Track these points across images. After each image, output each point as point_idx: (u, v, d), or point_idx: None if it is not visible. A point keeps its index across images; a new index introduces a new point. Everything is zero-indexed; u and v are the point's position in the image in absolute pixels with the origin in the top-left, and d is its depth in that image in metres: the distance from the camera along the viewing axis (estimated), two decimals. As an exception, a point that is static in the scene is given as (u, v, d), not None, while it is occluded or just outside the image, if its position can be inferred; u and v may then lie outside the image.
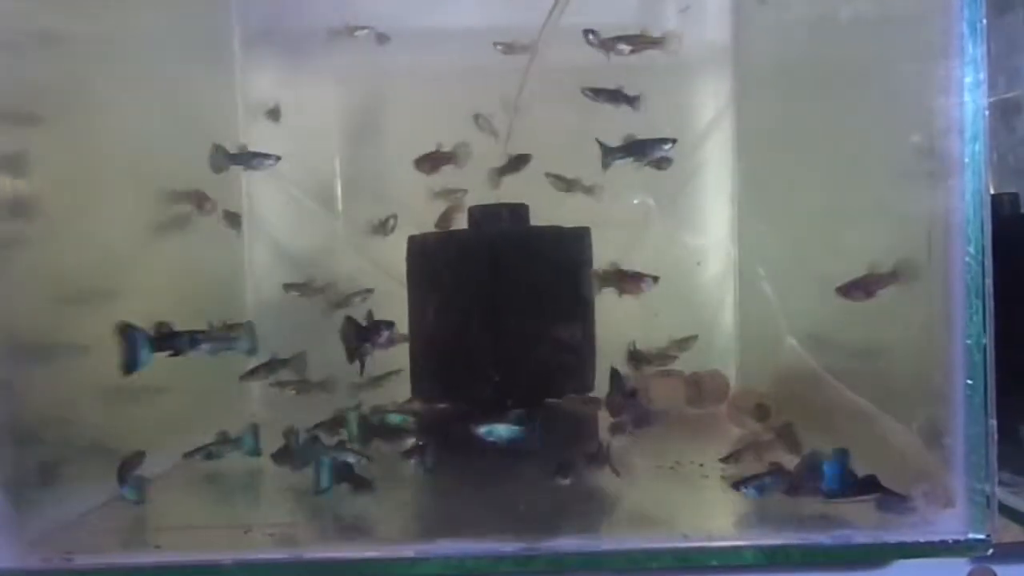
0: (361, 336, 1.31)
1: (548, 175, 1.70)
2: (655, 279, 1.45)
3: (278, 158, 1.52)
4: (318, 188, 1.91)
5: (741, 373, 1.84)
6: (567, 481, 1.21)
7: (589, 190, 1.70)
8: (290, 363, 1.52)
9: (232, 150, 1.51)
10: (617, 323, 1.59)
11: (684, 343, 1.71)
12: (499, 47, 1.74)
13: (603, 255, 1.55)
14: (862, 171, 1.31)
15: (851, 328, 1.28)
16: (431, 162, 1.70)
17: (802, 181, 1.56)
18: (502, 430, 1.19)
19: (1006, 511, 1.09)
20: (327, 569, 1.03)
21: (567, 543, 1.03)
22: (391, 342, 1.34)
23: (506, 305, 1.51)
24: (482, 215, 1.60)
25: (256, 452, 1.38)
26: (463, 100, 1.77)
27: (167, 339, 1.20)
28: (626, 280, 1.46)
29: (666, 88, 1.85)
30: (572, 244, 1.57)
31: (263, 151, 1.53)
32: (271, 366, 1.52)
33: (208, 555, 1.02)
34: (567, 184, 1.70)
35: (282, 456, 1.33)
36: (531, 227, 1.60)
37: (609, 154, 1.46)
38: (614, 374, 1.41)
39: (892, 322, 1.20)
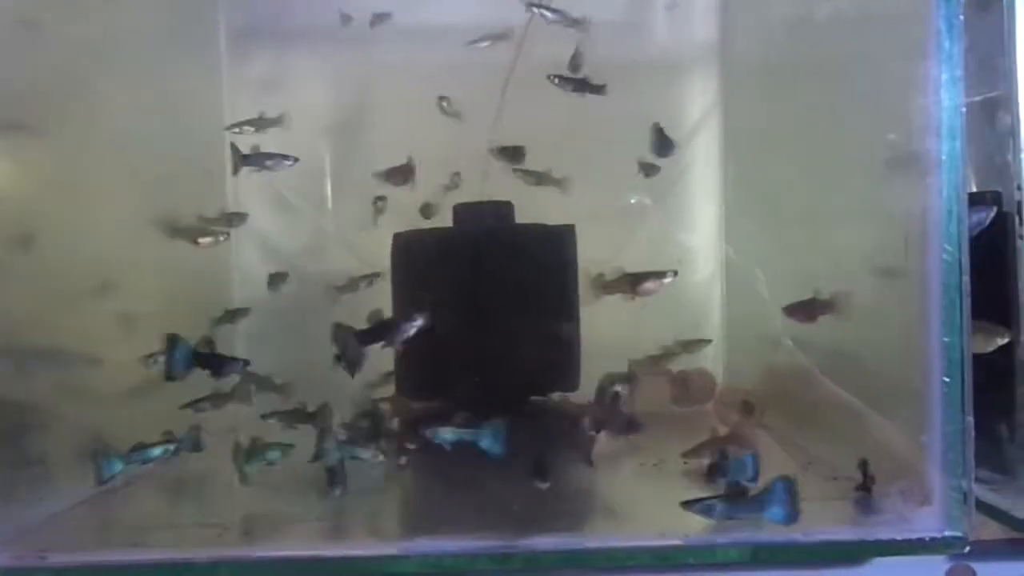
0: (362, 340, 1.26)
1: (516, 171, 1.66)
2: (675, 272, 1.40)
3: (296, 159, 1.51)
4: (308, 186, 1.90)
5: (728, 371, 1.84)
6: (546, 485, 1.19)
7: (559, 183, 1.67)
8: (233, 396, 1.47)
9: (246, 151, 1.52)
10: (603, 320, 1.58)
11: (691, 345, 1.68)
12: (484, 42, 1.72)
13: (595, 254, 1.54)
14: (847, 169, 1.31)
15: (831, 327, 1.27)
16: (401, 175, 1.68)
17: (789, 179, 1.56)
18: (446, 434, 1.17)
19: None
20: (306, 567, 1.02)
21: (546, 541, 1.03)
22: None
23: (491, 302, 1.50)
24: (467, 212, 1.60)
25: (197, 448, 1.34)
26: (453, 97, 1.76)
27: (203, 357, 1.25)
28: (641, 282, 1.40)
29: (654, 86, 1.85)
30: (557, 242, 1.57)
31: (278, 151, 1.53)
32: (212, 399, 1.46)
33: (184, 553, 1.02)
34: (537, 178, 1.66)
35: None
36: (516, 224, 1.60)
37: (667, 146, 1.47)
38: (607, 381, 1.39)
39: (872, 320, 1.20)
